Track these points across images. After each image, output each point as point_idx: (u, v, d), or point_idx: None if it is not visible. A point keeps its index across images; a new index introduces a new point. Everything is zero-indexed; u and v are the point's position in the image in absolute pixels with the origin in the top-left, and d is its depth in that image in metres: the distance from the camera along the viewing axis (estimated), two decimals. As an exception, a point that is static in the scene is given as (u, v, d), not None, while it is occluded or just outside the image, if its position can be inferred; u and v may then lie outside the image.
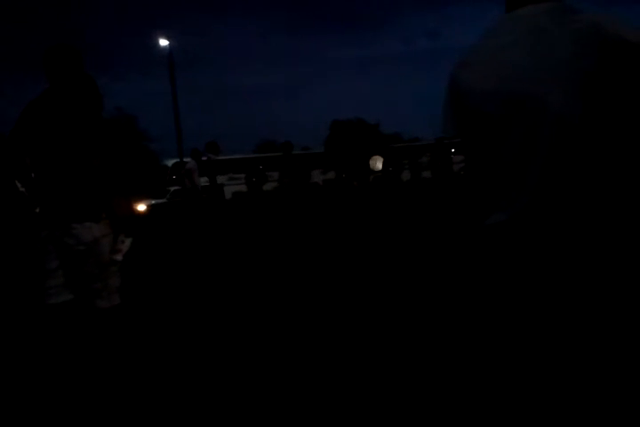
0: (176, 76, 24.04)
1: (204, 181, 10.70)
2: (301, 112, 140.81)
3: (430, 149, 26.34)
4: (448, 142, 16.32)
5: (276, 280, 5.49)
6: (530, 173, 1.40)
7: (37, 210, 2.71)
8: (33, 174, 2.71)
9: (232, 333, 3.78)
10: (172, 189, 22.61)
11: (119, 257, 2.73)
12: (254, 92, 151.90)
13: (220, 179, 18.90)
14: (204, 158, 10.63)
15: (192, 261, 7.06)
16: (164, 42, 24.10)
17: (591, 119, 1.34)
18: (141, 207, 11.95)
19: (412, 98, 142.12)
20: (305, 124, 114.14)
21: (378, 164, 27.25)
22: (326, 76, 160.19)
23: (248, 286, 5.32)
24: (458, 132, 1.56)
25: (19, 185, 2.89)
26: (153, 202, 20.90)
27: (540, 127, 1.38)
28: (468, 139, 1.56)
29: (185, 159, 17.27)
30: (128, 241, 2.78)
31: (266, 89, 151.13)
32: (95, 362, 2.58)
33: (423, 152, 27.63)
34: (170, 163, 25.78)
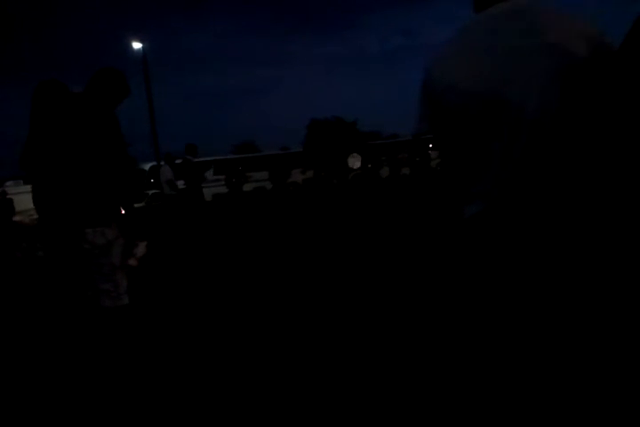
0: (149, 79, 23.79)
1: (180, 184, 10.66)
2: (279, 112, 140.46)
3: (408, 146, 26.48)
4: (425, 138, 16.41)
5: (267, 276, 5.50)
6: (506, 167, 1.43)
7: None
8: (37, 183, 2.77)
9: (227, 333, 3.78)
10: (151, 192, 22.38)
11: (134, 262, 2.77)
12: (231, 94, 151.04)
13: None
14: (179, 161, 10.58)
15: (181, 262, 7.02)
16: (137, 44, 23.82)
17: (562, 120, 1.38)
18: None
19: (390, 95, 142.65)
20: (283, 124, 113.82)
21: (356, 161, 27.29)
22: (303, 76, 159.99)
23: (240, 287, 5.32)
24: (432, 127, 1.58)
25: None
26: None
27: (516, 128, 1.41)
28: (442, 133, 1.58)
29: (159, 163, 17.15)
30: (142, 245, 2.81)
31: (243, 90, 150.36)
32: (98, 361, 2.63)
33: (401, 149, 27.77)
34: (147, 166, 25.51)
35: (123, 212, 2.70)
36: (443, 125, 1.54)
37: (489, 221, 1.48)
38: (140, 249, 2.77)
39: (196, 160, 10.55)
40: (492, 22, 1.48)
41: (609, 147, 1.40)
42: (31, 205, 2.84)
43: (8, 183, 19.44)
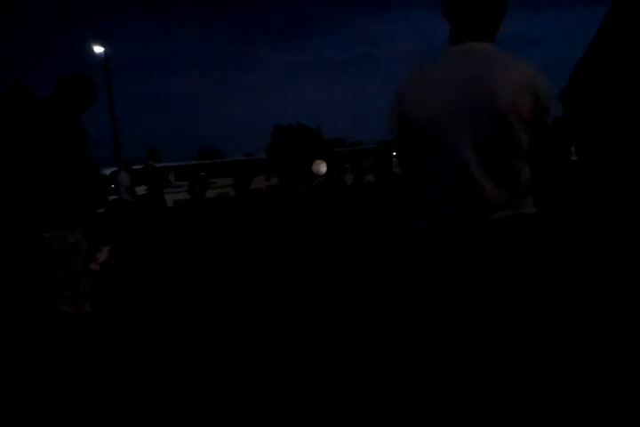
0: (111, 83, 23.42)
1: (142, 189, 10.52)
2: (243, 118, 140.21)
3: (372, 153, 26.76)
4: (390, 146, 16.67)
5: (232, 282, 5.48)
6: (461, 189, 1.59)
7: None
8: None
9: (201, 336, 3.75)
10: (111, 198, 21.97)
11: (96, 267, 2.72)
12: (193, 99, 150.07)
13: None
14: (138, 167, 10.46)
15: (144, 268, 6.93)
16: (98, 48, 23.42)
17: (500, 164, 1.56)
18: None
19: (354, 102, 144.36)
20: (246, 131, 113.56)
21: (321, 168, 27.43)
22: (267, 83, 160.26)
23: (204, 291, 5.29)
24: (396, 137, 1.75)
25: None
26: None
27: (450, 163, 1.59)
28: (402, 145, 1.75)
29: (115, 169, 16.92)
30: (105, 250, 2.77)
31: (205, 95, 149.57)
32: (64, 366, 2.59)
33: (365, 156, 28.03)
34: (107, 172, 25.05)
35: (86, 216, 2.67)
36: (403, 139, 1.73)
37: (430, 240, 1.64)
38: (103, 254, 2.74)
39: (159, 166, 10.43)
40: (455, 63, 1.62)
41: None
42: None
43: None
